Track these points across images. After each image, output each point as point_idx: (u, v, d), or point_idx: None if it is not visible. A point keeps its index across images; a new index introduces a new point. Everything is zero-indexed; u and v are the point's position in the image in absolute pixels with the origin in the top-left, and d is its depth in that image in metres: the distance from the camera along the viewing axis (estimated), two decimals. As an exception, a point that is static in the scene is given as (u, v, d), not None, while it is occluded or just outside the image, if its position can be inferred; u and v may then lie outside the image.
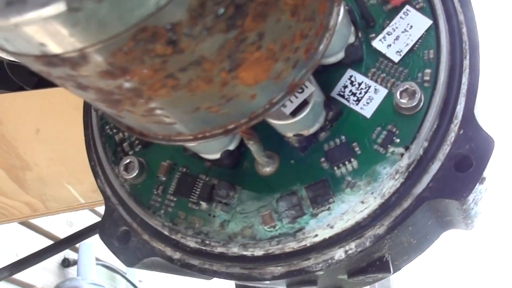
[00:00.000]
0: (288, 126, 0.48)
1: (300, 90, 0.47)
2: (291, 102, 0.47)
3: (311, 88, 0.47)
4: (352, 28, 0.52)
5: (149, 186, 0.55)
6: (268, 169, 0.52)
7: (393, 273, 0.58)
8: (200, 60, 0.35)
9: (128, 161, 0.56)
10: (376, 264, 0.52)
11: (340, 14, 0.48)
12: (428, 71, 0.50)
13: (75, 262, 2.45)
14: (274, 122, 0.48)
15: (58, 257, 2.43)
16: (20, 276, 2.22)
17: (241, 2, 0.33)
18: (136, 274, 2.87)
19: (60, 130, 1.39)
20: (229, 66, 0.36)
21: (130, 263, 0.56)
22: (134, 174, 0.55)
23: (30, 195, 1.57)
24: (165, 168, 0.55)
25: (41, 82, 1.24)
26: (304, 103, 0.47)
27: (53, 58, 0.31)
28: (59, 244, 1.15)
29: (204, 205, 0.53)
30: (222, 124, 0.43)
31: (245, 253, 0.51)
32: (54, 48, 0.30)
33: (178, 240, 0.53)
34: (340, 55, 0.52)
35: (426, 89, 0.50)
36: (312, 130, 0.51)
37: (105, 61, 0.32)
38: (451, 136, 0.49)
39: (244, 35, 0.35)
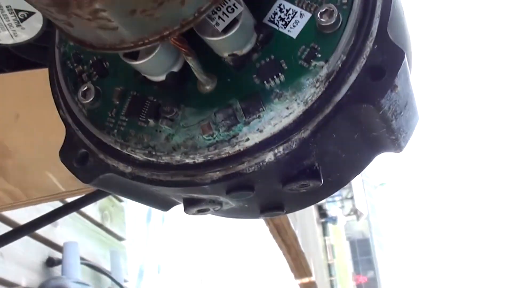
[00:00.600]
0: (221, 44, 0.55)
1: (230, 10, 0.54)
2: (223, 20, 0.54)
3: (240, 8, 0.54)
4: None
5: (105, 109, 0.62)
6: (208, 87, 0.59)
7: (329, 192, 0.65)
8: None
9: (85, 88, 0.62)
10: (307, 172, 0.59)
11: None
12: (345, -5, 0.57)
13: (59, 262, 2.50)
14: (209, 39, 0.55)
15: (42, 256, 2.48)
16: (4, 274, 2.27)
17: None
18: (122, 274, 2.93)
19: (40, 115, 1.38)
20: None
21: (87, 180, 0.62)
22: (91, 99, 0.62)
23: (11, 183, 1.59)
24: (118, 93, 0.61)
25: (20, 65, 1.21)
26: (234, 22, 0.54)
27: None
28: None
29: (151, 122, 0.59)
30: (158, 30, 0.49)
31: (187, 160, 0.57)
32: None
33: (129, 153, 0.59)
34: (269, -14, 0.59)
35: (344, 11, 0.57)
36: (245, 50, 0.58)
37: None
38: (367, 51, 0.56)
39: None
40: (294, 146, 0.56)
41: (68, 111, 0.64)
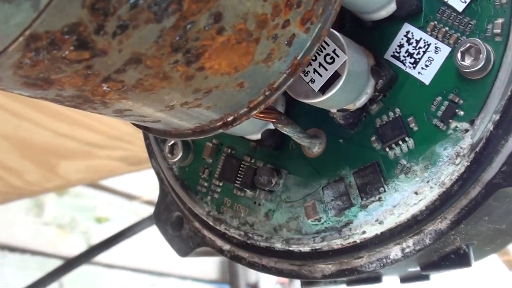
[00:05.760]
0: (322, 104, 0.42)
1: (330, 61, 0.41)
2: (320, 75, 0.41)
3: (343, 57, 0.41)
4: (405, -29, 0.43)
5: (196, 168, 0.52)
6: (315, 150, 0.47)
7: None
8: (137, 58, 0.30)
9: (172, 142, 0.52)
10: (451, 258, 0.45)
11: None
12: (499, 21, 0.40)
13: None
14: (304, 101, 0.41)
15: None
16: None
17: None
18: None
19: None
20: (183, 58, 0.32)
21: (183, 253, 0.54)
22: (179, 156, 0.52)
23: None
24: (210, 149, 0.51)
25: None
26: (336, 76, 0.40)
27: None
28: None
29: (249, 192, 0.48)
30: (217, 117, 0.37)
31: (290, 248, 0.46)
32: None
33: (223, 231, 0.49)
34: (392, 7, 0.44)
35: (497, 45, 0.40)
36: (359, 103, 0.44)
37: (16, 76, 0.30)
38: (532, 104, 0.40)
39: (187, 20, 0.30)
40: (428, 241, 0.43)
41: (159, 164, 0.55)
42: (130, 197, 2.43)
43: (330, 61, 0.41)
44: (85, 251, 1.31)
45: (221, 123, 0.39)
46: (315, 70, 0.41)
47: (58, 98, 0.33)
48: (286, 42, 0.35)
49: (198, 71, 0.33)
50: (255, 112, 0.38)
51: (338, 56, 0.41)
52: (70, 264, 1.36)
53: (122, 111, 0.36)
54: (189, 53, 0.32)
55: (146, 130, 0.43)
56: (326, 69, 0.41)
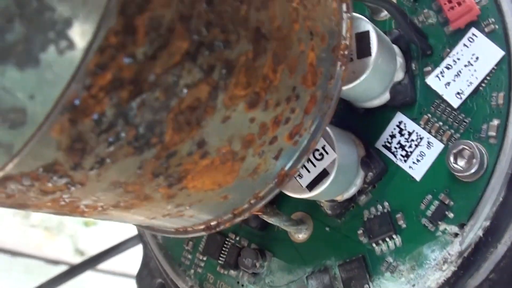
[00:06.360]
0: (311, 198, 0.41)
1: (319, 157, 0.40)
2: (308, 172, 0.40)
3: (333, 155, 0.40)
4: (400, 61, 0.42)
5: (180, 239, 0.51)
6: (301, 236, 0.46)
7: None
8: (117, 185, 0.29)
9: (156, 211, 0.51)
10: None
11: (374, 51, 0.39)
12: (495, 122, 0.39)
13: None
14: (289, 194, 0.40)
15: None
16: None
17: (146, 119, 0.26)
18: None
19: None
20: (165, 182, 0.31)
21: (165, 324, 0.52)
22: (163, 226, 0.51)
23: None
24: (194, 221, 0.50)
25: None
26: (324, 173, 0.39)
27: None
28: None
29: (232, 271, 0.47)
30: (201, 221, 0.37)
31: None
32: None
33: (207, 310, 0.48)
34: (385, 97, 0.43)
35: (491, 148, 0.39)
36: (347, 195, 0.43)
37: None
38: (524, 211, 0.39)
39: (169, 150, 0.28)
40: None
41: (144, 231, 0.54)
42: (118, 201, 2.41)
43: (319, 157, 0.40)
44: (83, 262, 1.29)
45: (204, 226, 0.38)
46: (303, 166, 0.40)
47: (36, 212, 0.32)
48: (273, 156, 0.34)
49: (180, 191, 0.32)
50: (239, 218, 0.37)
51: (327, 153, 0.40)
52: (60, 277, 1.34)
53: (102, 219, 0.35)
54: (171, 177, 0.31)
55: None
56: (315, 166, 0.40)
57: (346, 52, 0.36)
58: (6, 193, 0.27)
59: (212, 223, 0.37)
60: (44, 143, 0.25)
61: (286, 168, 0.35)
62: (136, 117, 0.27)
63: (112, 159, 0.27)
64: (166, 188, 0.31)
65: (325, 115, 0.35)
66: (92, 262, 1.26)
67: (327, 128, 0.40)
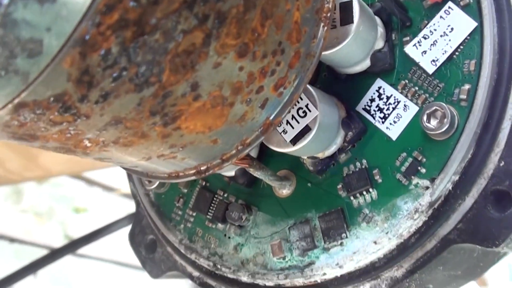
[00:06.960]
0: (292, 153, 0.44)
1: (302, 114, 0.43)
2: (292, 127, 0.44)
3: (315, 112, 0.43)
4: (381, 31, 0.46)
5: (172, 196, 0.55)
6: (284, 191, 0.49)
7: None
8: (117, 121, 0.32)
9: (150, 169, 0.54)
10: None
11: (356, 19, 0.43)
12: (466, 87, 0.43)
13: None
14: (276, 150, 0.44)
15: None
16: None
17: (147, 58, 0.29)
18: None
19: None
20: (161, 121, 0.34)
21: (154, 275, 0.56)
22: (156, 184, 0.54)
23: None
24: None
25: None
26: (307, 129, 0.43)
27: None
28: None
29: (219, 224, 0.51)
30: (192, 166, 0.40)
31: (255, 282, 0.49)
32: None
33: (193, 259, 0.52)
34: (366, 64, 0.46)
35: (462, 110, 0.43)
36: (328, 152, 0.47)
37: (3, 132, 0.32)
38: (489, 168, 0.43)
39: (165, 90, 0.32)
40: (384, 287, 0.45)
41: (137, 188, 0.57)
42: (109, 189, 2.45)
43: (302, 114, 0.44)
44: (66, 245, 1.32)
45: (194, 171, 0.41)
46: (287, 122, 0.44)
47: (42, 147, 0.36)
48: (259, 105, 0.38)
49: (174, 131, 0.36)
50: (227, 163, 0.40)
51: (310, 111, 0.43)
52: (48, 257, 1.36)
53: (102, 158, 0.39)
54: (166, 116, 0.34)
55: (125, 169, 0.45)
56: (298, 122, 0.44)
57: (328, 15, 0.39)
58: (19, 121, 0.31)
59: (202, 168, 0.41)
60: (57, 73, 0.28)
61: (271, 117, 0.39)
62: (138, 56, 0.30)
63: (115, 94, 0.31)
64: (161, 126, 0.35)
65: (308, 71, 0.39)
66: (75, 246, 1.29)
67: (311, 89, 0.43)
